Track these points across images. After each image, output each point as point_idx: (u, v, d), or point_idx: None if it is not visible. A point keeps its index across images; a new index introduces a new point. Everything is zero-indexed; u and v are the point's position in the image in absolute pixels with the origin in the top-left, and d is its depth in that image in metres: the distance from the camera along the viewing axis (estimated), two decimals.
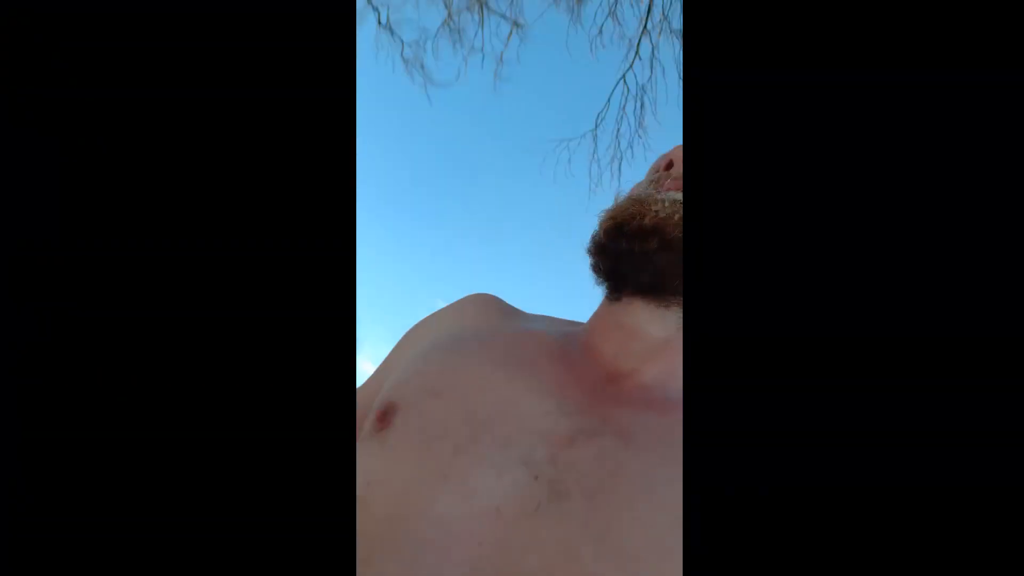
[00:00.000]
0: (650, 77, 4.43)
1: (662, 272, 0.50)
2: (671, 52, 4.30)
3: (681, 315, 0.51)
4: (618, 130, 4.55)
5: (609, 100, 4.51)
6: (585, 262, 0.58)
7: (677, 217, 0.49)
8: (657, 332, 0.53)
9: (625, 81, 4.50)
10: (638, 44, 4.35)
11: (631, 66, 4.41)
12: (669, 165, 0.54)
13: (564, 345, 0.55)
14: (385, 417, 0.50)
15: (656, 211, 0.50)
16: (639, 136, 4.52)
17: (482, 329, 0.58)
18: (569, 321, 0.65)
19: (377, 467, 0.47)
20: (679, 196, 0.50)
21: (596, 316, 0.58)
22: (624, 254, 0.51)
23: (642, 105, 4.48)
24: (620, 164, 4.51)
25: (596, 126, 4.53)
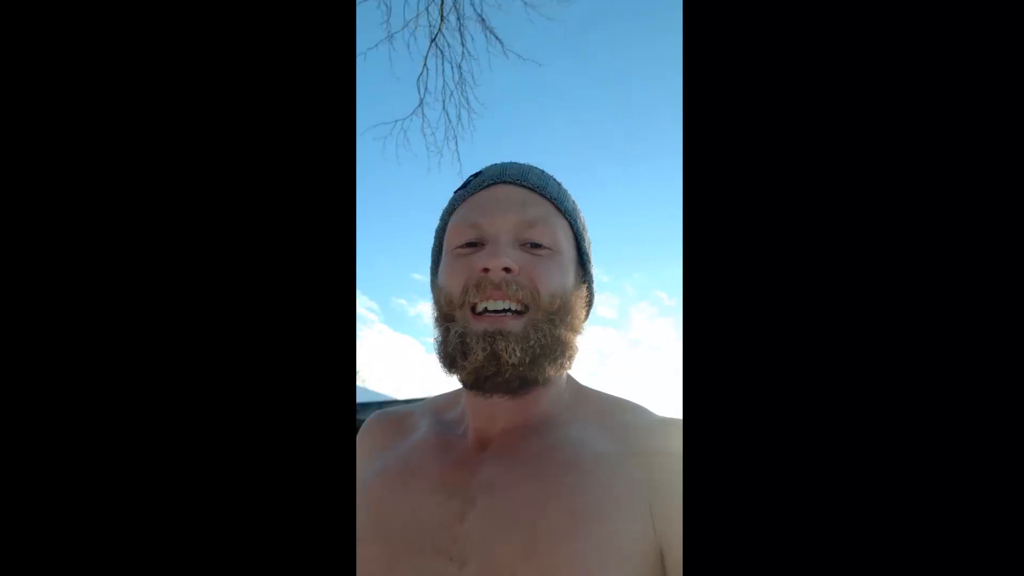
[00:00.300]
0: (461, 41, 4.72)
1: (518, 387, 0.61)
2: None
3: (523, 395, 0.63)
4: (444, 102, 4.88)
5: (425, 63, 4.78)
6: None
7: (528, 358, 0.59)
8: (514, 403, 0.64)
9: (436, 45, 4.75)
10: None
11: (439, 30, 4.64)
12: (485, 270, 0.60)
13: (443, 438, 0.68)
14: None
15: (512, 364, 0.58)
16: (464, 108, 4.89)
17: (378, 463, 0.69)
18: (451, 398, 0.76)
19: None
20: (521, 327, 0.60)
21: (464, 400, 0.69)
22: (487, 388, 0.61)
23: (460, 73, 4.81)
24: (456, 138, 4.92)
25: (421, 97, 4.81)
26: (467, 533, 0.56)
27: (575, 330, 0.64)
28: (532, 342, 0.59)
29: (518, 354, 0.58)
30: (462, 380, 0.63)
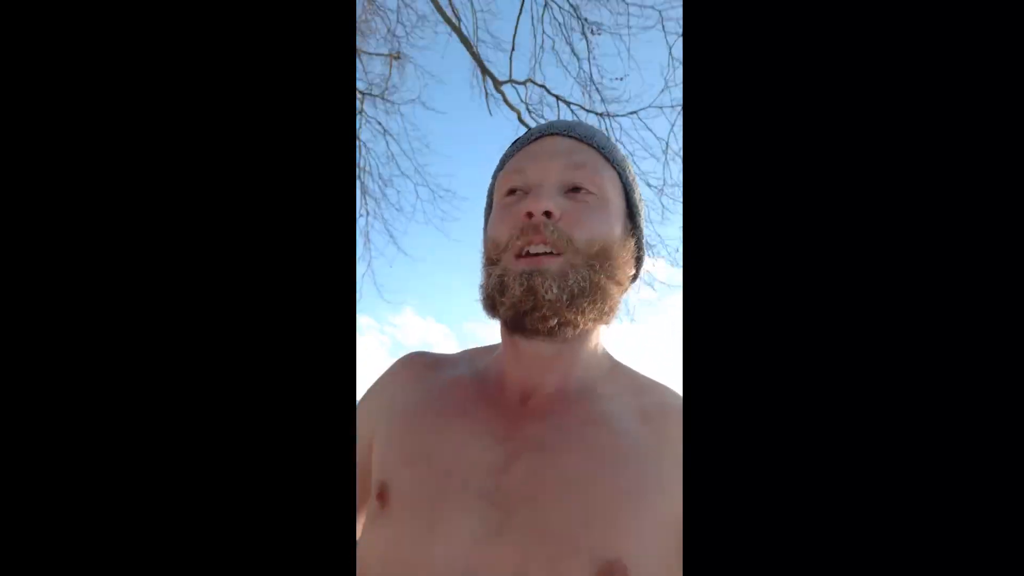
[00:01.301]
0: None
1: (557, 330, 0.61)
2: None
3: (560, 343, 0.64)
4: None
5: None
6: None
7: (566, 296, 0.59)
8: (550, 350, 0.65)
9: None
10: None
11: None
12: (529, 215, 0.61)
13: (482, 383, 0.69)
14: (382, 496, 0.63)
15: (549, 300, 0.59)
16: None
17: (419, 391, 0.71)
18: (483, 351, 0.77)
19: (387, 536, 0.61)
20: (559, 267, 0.60)
21: (502, 349, 0.70)
22: (526, 326, 0.62)
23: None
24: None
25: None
26: (512, 484, 0.57)
27: (617, 280, 0.64)
28: (571, 281, 0.59)
29: (555, 290, 0.59)
30: (502, 318, 0.63)
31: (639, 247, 0.69)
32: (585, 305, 0.60)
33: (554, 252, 0.61)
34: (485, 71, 4.78)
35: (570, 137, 0.67)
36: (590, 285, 0.60)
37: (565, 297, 0.59)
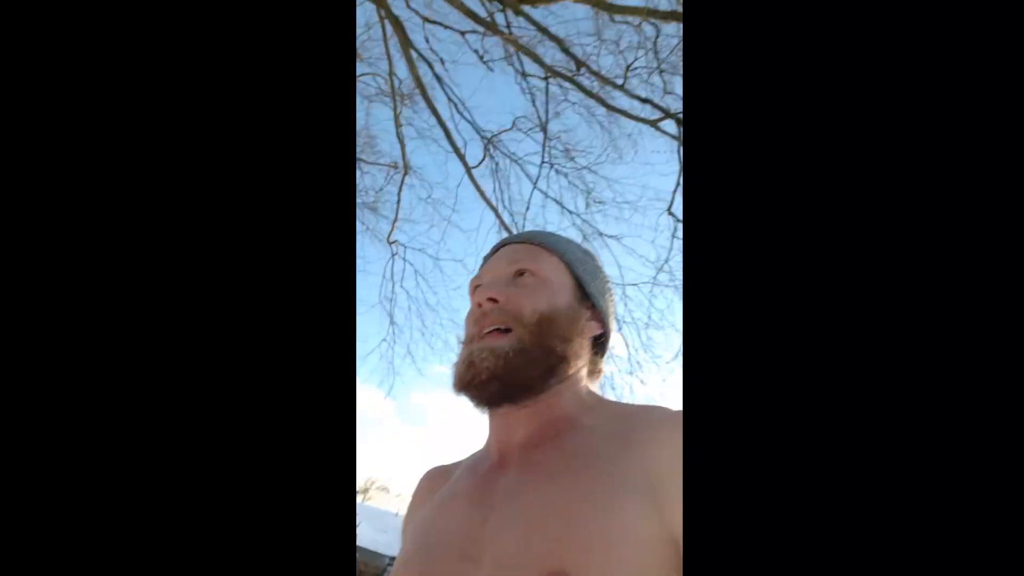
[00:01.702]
0: None
1: (508, 393, 0.70)
2: None
3: (530, 404, 0.71)
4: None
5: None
6: None
7: (501, 362, 0.68)
8: (522, 413, 0.72)
9: None
10: None
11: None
12: (479, 305, 0.73)
13: (477, 460, 0.77)
14: None
15: (486, 367, 0.69)
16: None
17: (429, 503, 0.78)
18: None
19: None
20: (505, 342, 0.70)
21: (489, 423, 0.79)
22: (478, 397, 0.71)
23: None
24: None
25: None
26: (485, 535, 0.62)
27: (567, 340, 0.73)
28: (507, 349, 0.69)
29: (491, 359, 0.69)
30: (456, 390, 0.73)
31: (600, 317, 0.80)
32: (522, 364, 0.69)
33: (501, 329, 0.71)
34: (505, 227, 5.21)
35: (517, 243, 0.82)
36: (532, 347, 0.70)
37: (501, 363, 0.68)
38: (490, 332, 0.72)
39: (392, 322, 5.86)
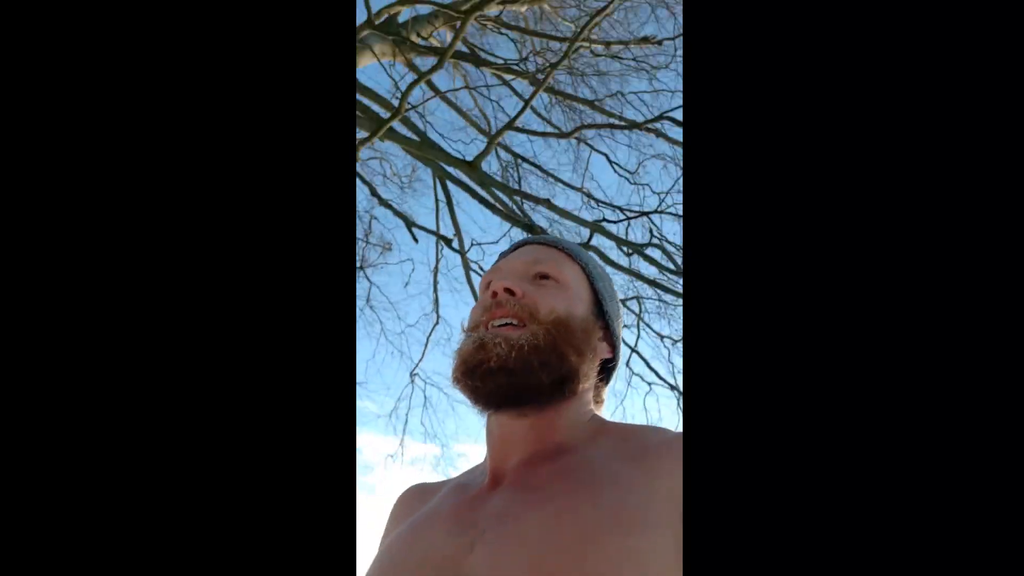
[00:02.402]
0: None
1: (514, 393, 0.64)
2: None
3: (533, 408, 0.65)
4: None
5: None
6: None
7: (515, 353, 0.62)
8: (522, 425, 0.66)
9: None
10: None
11: None
12: (494, 294, 0.68)
13: (462, 486, 0.70)
14: None
15: (497, 353, 0.62)
16: None
17: (406, 523, 0.71)
18: (480, 464, 0.78)
19: None
20: (517, 334, 0.64)
21: (486, 435, 0.71)
22: (479, 386, 0.64)
23: None
24: None
25: None
26: (473, 564, 0.56)
27: (579, 352, 0.67)
28: (523, 341, 0.63)
29: (504, 347, 0.62)
30: (457, 377, 0.66)
31: (611, 334, 0.75)
32: (536, 363, 0.63)
33: (516, 323, 0.66)
34: None
35: (539, 244, 0.78)
36: (545, 346, 0.64)
37: (514, 354, 0.62)
38: (502, 325, 0.66)
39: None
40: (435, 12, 4.33)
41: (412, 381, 5.35)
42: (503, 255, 0.81)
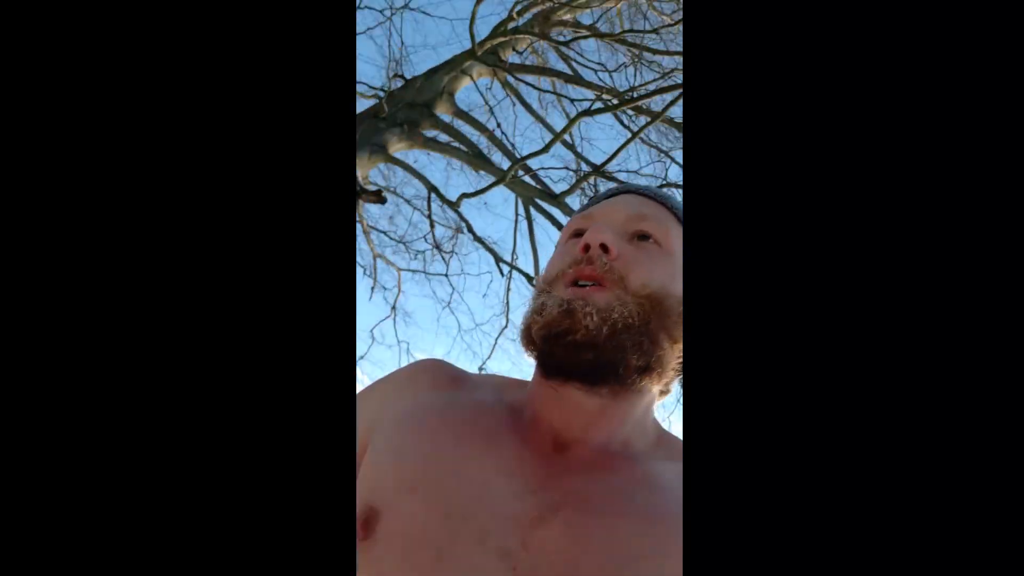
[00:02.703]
0: None
1: (595, 371, 0.55)
2: None
3: (609, 389, 0.56)
4: None
5: None
6: None
7: (606, 328, 0.53)
8: (592, 404, 0.57)
9: None
10: None
11: None
12: (586, 248, 0.57)
13: (513, 417, 0.60)
14: (368, 525, 0.52)
15: (587, 326, 0.53)
16: None
17: (438, 403, 0.61)
18: (511, 382, 0.69)
19: None
20: (606, 300, 0.54)
21: (535, 387, 0.61)
22: (559, 357, 0.55)
23: None
24: None
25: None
26: (543, 543, 0.49)
27: (671, 334, 0.57)
28: (616, 314, 0.54)
29: (595, 318, 0.53)
30: (536, 346, 0.57)
31: None
32: (628, 343, 0.54)
33: (603, 286, 0.56)
34: None
35: (643, 195, 0.66)
36: (639, 323, 0.54)
37: (606, 329, 0.53)
38: (588, 287, 0.56)
39: None
40: (529, 22, 4.41)
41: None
42: (596, 199, 0.69)
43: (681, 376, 0.62)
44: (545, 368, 0.57)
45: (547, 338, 0.55)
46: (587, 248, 0.57)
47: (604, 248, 0.57)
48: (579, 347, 0.53)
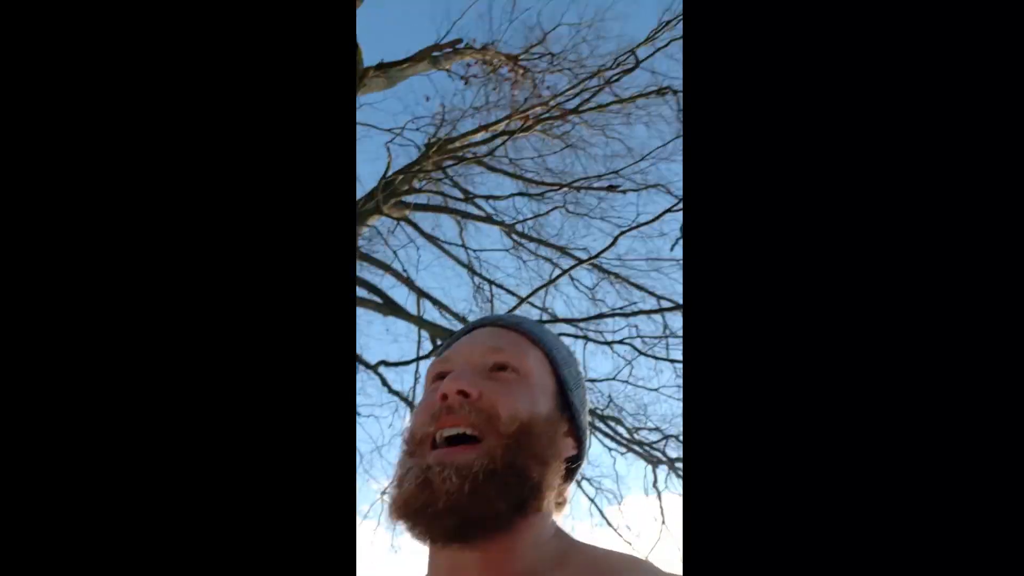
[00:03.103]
0: None
1: (463, 531, 0.54)
2: None
3: (488, 539, 0.55)
4: None
5: None
6: None
7: (467, 486, 0.53)
8: (474, 558, 0.56)
9: None
10: None
11: None
12: (444, 397, 0.58)
13: None
14: None
15: (447, 491, 0.52)
16: None
17: None
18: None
19: None
20: (465, 459, 0.54)
21: (429, 553, 0.61)
22: (423, 528, 0.55)
23: None
24: None
25: None
26: None
27: (543, 462, 0.58)
28: (476, 468, 0.53)
29: (454, 480, 0.53)
30: (396, 517, 0.56)
31: (577, 427, 0.66)
32: (492, 492, 0.54)
33: (469, 434, 0.57)
34: None
35: (497, 326, 0.68)
36: (504, 468, 0.55)
37: (467, 487, 0.53)
38: (453, 439, 0.56)
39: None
40: (423, 156, 4.74)
41: None
42: (455, 338, 0.70)
43: (575, 481, 0.64)
44: (417, 539, 0.57)
45: (408, 515, 0.54)
46: (445, 397, 0.58)
47: (463, 394, 0.58)
48: (439, 515, 0.53)
